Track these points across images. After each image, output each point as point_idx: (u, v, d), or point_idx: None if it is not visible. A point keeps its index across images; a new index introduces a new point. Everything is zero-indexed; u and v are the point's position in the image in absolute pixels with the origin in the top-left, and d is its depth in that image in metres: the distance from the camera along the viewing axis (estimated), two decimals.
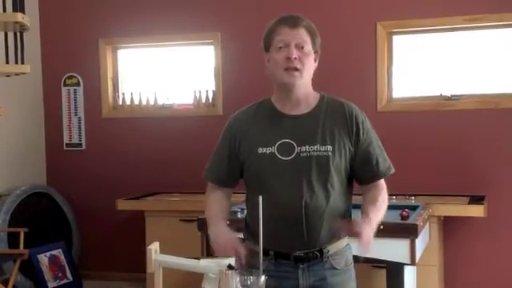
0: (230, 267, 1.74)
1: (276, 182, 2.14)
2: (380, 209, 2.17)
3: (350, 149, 2.17)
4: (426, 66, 5.01)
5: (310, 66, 2.17)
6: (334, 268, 2.18)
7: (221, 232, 2.16)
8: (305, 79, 2.16)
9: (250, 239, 2.23)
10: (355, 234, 2.00)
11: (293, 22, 2.14)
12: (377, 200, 2.18)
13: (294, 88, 2.15)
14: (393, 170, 2.26)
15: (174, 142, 5.49)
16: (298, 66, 2.12)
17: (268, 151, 2.15)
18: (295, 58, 2.11)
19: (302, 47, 2.13)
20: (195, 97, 5.53)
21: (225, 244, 2.10)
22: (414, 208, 3.97)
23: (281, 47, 2.13)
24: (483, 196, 4.58)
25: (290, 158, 2.13)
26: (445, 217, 4.47)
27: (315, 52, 2.18)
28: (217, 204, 2.29)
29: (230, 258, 1.80)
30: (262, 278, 1.79)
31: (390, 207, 3.43)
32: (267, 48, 2.19)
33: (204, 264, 1.80)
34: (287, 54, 2.11)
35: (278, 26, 2.16)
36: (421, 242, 3.67)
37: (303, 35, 2.14)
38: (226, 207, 2.32)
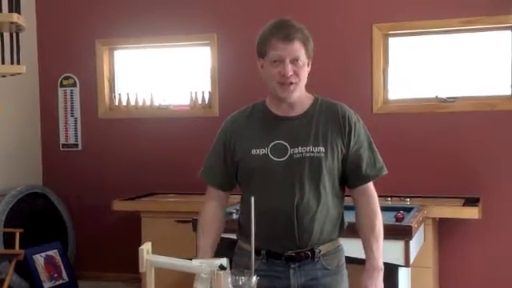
0: (221, 267, 1.75)
1: (269, 182, 2.15)
2: (380, 237, 2.22)
3: (342, 150, 2.18)
4: (422, 67, 5.02)
5: (305, 75, 2.16)
6: (326, 268, 2.20)
7: None
8: (300, 89, 2.17)
9: (242, 239, 2.26)
10: None
11: (286, 36, 2.10)
12: (374, 226, 2.22)
13: (289, 99, 2.17)
14: (385, 172, 2.26)
15: (170, 143, 5.50)
16: (294, 81, 2.12)
17: (261, 152, 2.16)
18: (291, 75, 2.11)
19: (297, 60, 2.12)
20: (191, 98, 5.53)
21: None
22: (408, 210, 3.98)
23: (275, 61, 2.12)
24: (478, 198, 4.59)
25: (283, 159, 2.14)
26: (440, 218, 4.48)
27: (308, 58, 2.16)
28: (210, 230, 2.26)
29: (221, 259, 1.80)
30: (254, 279, 1.79)
31: (385, 209, 3.46)
32: (261, 55, 2.18)
33: (196, 264, 1.81)
34: (282, 70, 2.10)
35: (270, 38, 2.12)
36: (415, 244, 3.67)
37: (297, 49, 2.11)
38: (219, 231, 2.29)
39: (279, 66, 2.11)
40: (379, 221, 2.24)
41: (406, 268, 3.54)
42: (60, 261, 5.38)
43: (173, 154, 5.47)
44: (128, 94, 5.72)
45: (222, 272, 1.73)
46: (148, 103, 5.66)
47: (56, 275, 5.31)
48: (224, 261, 1.79)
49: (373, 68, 4.99)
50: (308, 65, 2.18)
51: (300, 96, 2.20)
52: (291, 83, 2.12)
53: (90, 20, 5.71)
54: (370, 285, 2.18)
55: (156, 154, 5.54)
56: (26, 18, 4.48)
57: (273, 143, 2.16)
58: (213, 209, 2.29)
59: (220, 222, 2.30)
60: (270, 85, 2.17)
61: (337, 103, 2.26)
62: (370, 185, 2.25)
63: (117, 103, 5.76)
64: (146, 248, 1.83)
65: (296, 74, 2.12)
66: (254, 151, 2.17)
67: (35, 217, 5.46)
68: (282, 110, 2.21)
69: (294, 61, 2.11)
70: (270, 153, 2.15)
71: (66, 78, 5.84)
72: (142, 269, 1.83)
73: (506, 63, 4.81)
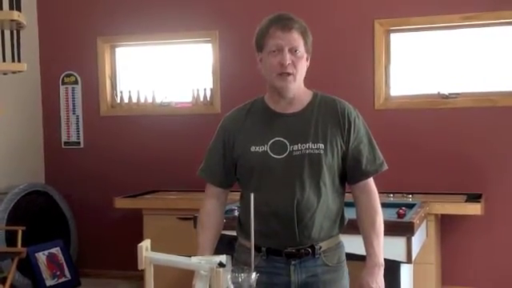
0: (220, 265, 1.74)
1: (268, 180, 2.14)
2: (380, 234, 2.21)
3: (341, 146, 2.17)
4: (424, 63, 5.01)
5: (303, 68, 2.16)
6: (326, 265, 2.19)
7: None
8: (298, 82, 2.16)
9: (242, 236, 2.25)
10: None
11: (285, 25, 2.11)
12: (375, 222, 2.21)
13: (287, 91, 2.15)
14: (385, 167, 2.25)
15: (172, 140, 5.50)
16: (292, 71, 2.11)
17: (261, 150, 2.15)
18: (289, 64, 2.10)
19: (296, 51, 2.11)
20: (193, 95, 5.53)
21: None
22: (411, 206, 3.97)
23: (274, 51, 2.12)
24: (480, 194, 4.58)
25: (282, 156, 2.13)
26: (442, 215, 4.48)
27: (307, 51, 2.16)
28: (210, 227, 2.26)
29: (221, 256, 1.80)
30: (253, 275, 1.78)
31: (387, 205, 3.45)
32: (259, 48, 2.18)
33: (195, 261, 1.80)
34: (281, 59, 2.10)
35: (269, 28, 2.13)
36: (417, 240, 3.66)
37: (296, 39, 2.11)
38: (218, 228, 2.29)
39: (278, 55, 2.11)
40: (380, 217, 2.23)
41: (408, 264, 3.53)
42: (62, 258, 5.39)
43: (174, 151, 5.47)
44: (130, 92, 5.72)
45: (221, 269, 1.73)
46: (150, 101, 5.65)
47: (58, 273, 5.32)
48: (223, 258, 1.78)
49: (374, 64, 4.98)
50: (307, 59, 2.17)
51: (298, 91, 2.18)
52: (289, 74, 2.11)
53: (92, 17, 5.71)
54: (370, 281, 2.17)
55: (158, 152, 5.54)
56: (28, 16, 4.49)
57: (272, 140, 2.15)
58: (212, 206, 2.29)
59: (219, 219, 2.29)
60: (268, 78, 2.16)
61: (336, 99, 2.24)
62: (371, 181, 2.24)
63: (118, 101, 5.76)
64: (145, 245, 1.82)
65: (294, 64, 2.11)
66: (253, 148, 2.16)
67: (37, 215, 5.46)
68: (281, 106, 2.19)
69: (293, 51, 2.11)
70: (270, 150, 2.14)
71: (68, 75, 5.84)
72: (140, 266, 1.83)
73: (508, 59, 4.79)
